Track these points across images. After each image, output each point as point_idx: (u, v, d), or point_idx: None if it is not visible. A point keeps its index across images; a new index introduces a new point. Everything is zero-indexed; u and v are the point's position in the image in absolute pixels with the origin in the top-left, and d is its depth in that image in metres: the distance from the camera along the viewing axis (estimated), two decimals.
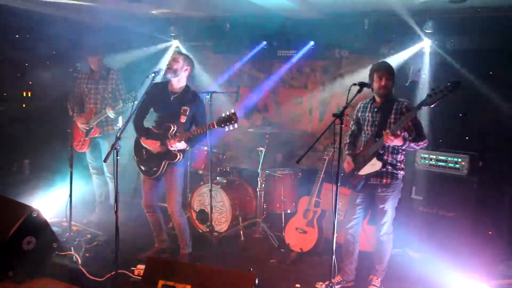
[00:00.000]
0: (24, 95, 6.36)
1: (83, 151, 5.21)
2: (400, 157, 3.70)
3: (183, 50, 6.28)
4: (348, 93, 3.37)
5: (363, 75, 5.55)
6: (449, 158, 4.50)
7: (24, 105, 6.36)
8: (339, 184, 3.32)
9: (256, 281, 3.04)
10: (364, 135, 3.83)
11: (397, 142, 3.48)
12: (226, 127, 3.76)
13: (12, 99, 6.22)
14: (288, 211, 5.18)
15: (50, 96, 5.87)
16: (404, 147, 3.57)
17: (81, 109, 5.14)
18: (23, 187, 5.76)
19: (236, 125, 3.76)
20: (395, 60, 5.14)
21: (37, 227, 3.81)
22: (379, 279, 3.85)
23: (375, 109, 3.73)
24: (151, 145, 4.01)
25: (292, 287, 3.88)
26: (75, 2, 5.15)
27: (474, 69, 4.63)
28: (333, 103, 5.90)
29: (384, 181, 3.68)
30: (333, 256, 3.39)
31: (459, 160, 4.43)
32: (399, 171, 3.70)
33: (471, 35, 4.77)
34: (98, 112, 5.05)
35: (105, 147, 5.18)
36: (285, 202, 5.19)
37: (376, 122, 3.70)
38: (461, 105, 4.76)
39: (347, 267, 3.92)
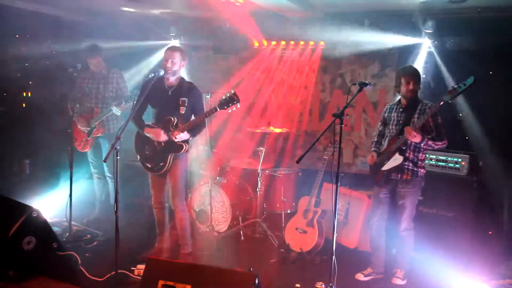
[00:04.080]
0: (24, 95, 6.36)
1: (85, 151, 5.20)
2: (421, 155, 3.91)
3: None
4: (348, 93, 3.41)
5: (363, 75, 5.58)
6: (449, 158, 4.51)
7: (24, 105, 6.36)
8: (339, 184, 3.35)
9: (256, 281, 3.03)
10: (389, 133, 4.03)
11: (417, 138, 3.69)
12: (229, 108, 3.79)
13: (12, 99, 6.22)
14: (288, 211, 5.18)
15: (50, 96, 5.87)
16: (422, 144, 3.77)
17: (81, 109, 5.14)
18: (23, 187, 5.77)
19: (238, 105, 3.78)
20: (394, 59, 5.16)
21: (37, 227, 3.81)
22: (403, 272, 4.03)
23: (401, 110, 3.96)
24: (155, 133, 3.98)
25: (292, 287, 3.88)
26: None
27: (474, 69, 4.62)
28: (333, 103, 5.91)
29: (405, 177, 3.87)
30: (333, 256, 3.40)
31: (459, 160, 4.44)
32: (419, 169, 3.89)
33: (471, 35, 4.77)
34: (100, 111, 5.05)
35: (106, 147, 5.17)
36: (285, 202, 5.19)
37: (400, 121, 3.92)
38: (461, 105, 4.76)
39: (376, 260, 4.13)
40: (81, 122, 5.06)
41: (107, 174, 5.27)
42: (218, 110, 3.83)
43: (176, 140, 3.95)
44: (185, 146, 4.02)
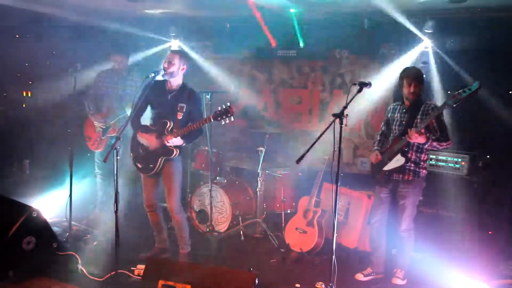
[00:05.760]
0: (24, 95, 6.37)
1: (99, 150, 5.18)
2: (424, 156, 3.90)
3: (184, 49, 6.27)
4: (348, 93, 3.41)
5: (363, 75, 5.57)
6: (449, 158, 4.51)
7: (24, 105, 6.36)
8: (339, 184, 3.35)
9: (256, 281, 3.04)
10: (392, 134, 4.03)
11: (420, 139, 3.69)
12: (222, 120, 3.78)
13: (12, 99, 6.23)
14: (288, 211, 5.18)
15: (50, 96, 5.87)
16: (426, 146, 3.78)
17: (97, 108, 5.13)
18: (23, 187, 5.77)
19: (232, 118, 3.78)
20: (395, 59, 5.17)
21: (37, 227, 3.81)
22: (403, 272, 4.04)
23: (404, 110, 3.96)
24: (147, 139, 4.01)
25: (292, 287, 3.88)
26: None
27: (474, 69, 4.63)
28: (333, 103, 5.90)
29: (406, 177, 3.88)
30: (333, 256, 3.40)
31: (459, 160, 4.44)
32: (421, 170, 3.89)
33: (471, 35, 4.77)
34: (116, 111, 5.03)
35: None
36: (285, 202, 5.19)
37: (403, 122, 3.92)
38: (461, 105, 4.75)
39: (376, 260, 4.13)
40: (98, 118, 5.06)
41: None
42: (212, 121, 3.84)
43: (168, 145, 3.95)
44: (176, 151, 4.01)
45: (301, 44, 5.68)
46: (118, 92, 5.08)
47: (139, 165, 4.15)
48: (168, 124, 3.98)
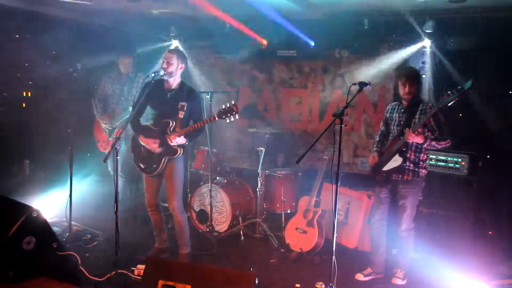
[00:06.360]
0: (24, 95, 6.36)
1: (108, 151, 5.19)
2: (423, 156, 3.90)
3: (181, 49, 6.26)
4: (348, 93, 3.42)
5: (363, 75, 5.57)
6: (449, 158, 4.51)
7: (24, 105, 6.36)
8: (339, 184, 3.36)
9: (256, 281, 3.04)
10: (391, 134, 4.03)
11: (418, 139, 3.69)
12: (227, 118, 3.80)
13: (12, 99, 6.22)
14: (288, 211, 5.18)
15: (50, 96, 5.86)
16: (425, 145, 3.78)
17: (104, 109, 5.14)
18: (23, 187, 5.76)
19: (237, 116, 3.80)
20: (394, 60, 5.17)
21: (37, 227, 3.80)
22: (403, 272, 4.04)
23: (402, 110, 3.97)
24: (151, 145, 4.00)
25: (292, 287, 3.88)
26: (73, 1, 5.15)
27: (474, 69, 4.63)
28: (333, 103, 5.90)
29: (406, 177, 3.88)
30: (333, 256, 3.40)
31: (459, 160, 4.44)
32: (420, 169, 3.89)
33: (471, 35, 4.77)
34: (121, 112, 5.04)
35: (122, 148, 5.16)
36: (285, 202, 5.19)
37: (402, 122, 3.92)
38: (461, 104, 4.76)
39: (376, 260, 4.12)
40: (105, 120, 5.09)
41: (119, 173, 5.25)
42: (217, 119, 3.85)
43: (172, 144, 3.95)
44: (180, 150, 4.02)
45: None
46: (124, 93, 5.09)
47: (142, 165, 4.14)
48: (171, 124, 3.97)
